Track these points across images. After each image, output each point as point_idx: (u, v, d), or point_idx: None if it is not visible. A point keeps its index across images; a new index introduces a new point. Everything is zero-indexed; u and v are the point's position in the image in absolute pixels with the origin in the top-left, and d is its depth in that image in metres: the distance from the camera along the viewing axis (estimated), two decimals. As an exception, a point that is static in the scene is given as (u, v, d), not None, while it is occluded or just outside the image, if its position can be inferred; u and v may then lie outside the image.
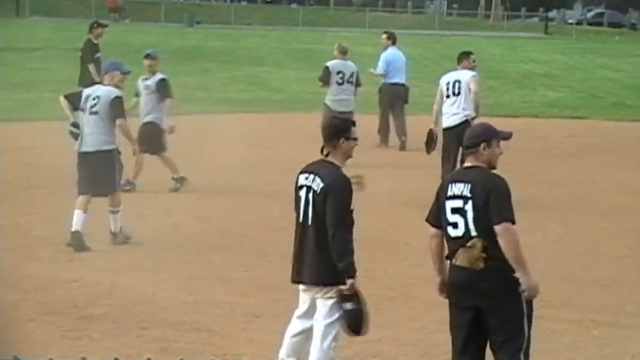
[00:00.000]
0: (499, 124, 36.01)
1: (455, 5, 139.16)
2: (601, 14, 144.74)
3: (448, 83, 26.95)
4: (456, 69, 27.51)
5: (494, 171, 11.50)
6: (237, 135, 33.10)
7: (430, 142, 26.55)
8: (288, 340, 12.31)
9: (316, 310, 12.03)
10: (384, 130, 33.62)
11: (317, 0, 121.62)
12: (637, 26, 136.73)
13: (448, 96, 26.83)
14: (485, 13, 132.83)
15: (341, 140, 11.93)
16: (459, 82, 26.74)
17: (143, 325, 14.88)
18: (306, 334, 12.18)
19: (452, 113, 26.57)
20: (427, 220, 11.64)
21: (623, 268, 19.88)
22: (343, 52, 33.26)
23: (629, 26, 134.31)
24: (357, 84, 32.19)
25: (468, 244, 11.21)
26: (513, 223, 11.22)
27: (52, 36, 56.81)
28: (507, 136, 11.97)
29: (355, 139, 12.08)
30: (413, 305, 15.72)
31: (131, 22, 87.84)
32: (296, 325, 12.29)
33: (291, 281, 12.19)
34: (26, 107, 32.36)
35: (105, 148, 20.54)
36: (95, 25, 33.41)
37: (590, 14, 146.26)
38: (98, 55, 32.52)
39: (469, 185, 11.27)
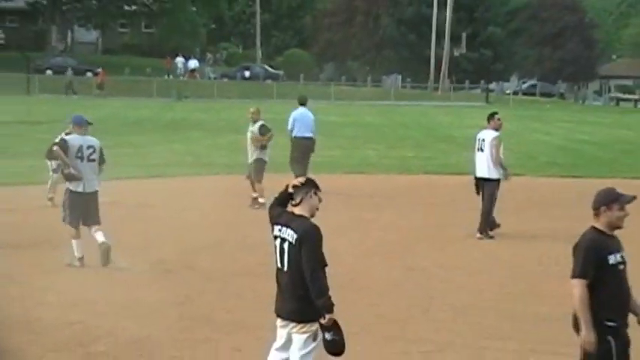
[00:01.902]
0: (448, 181, 36.33)
1: (408, 79, 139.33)
2: (534, 85, 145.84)
3: (478, 140, 27.52)
4: (486, 127, 27.93)
5: (617, 230, 11.39)
6: (219, 194, 33.10)
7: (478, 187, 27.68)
8: (265, 376, 12.34)
9: (292, 344, 12.05)
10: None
11: (288, 76, 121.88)
12: (565, 95, 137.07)
13: (479, 149, 27.38)
14: (434, 86, 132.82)
15: (310, 193, 11.97)
16: (484, 140, 27.31)
17: (90, 341, 14.83)
18: (284, 367, 12.18)
19: (479, 167, 27.44)
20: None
21: (558, 304, 19.90)
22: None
23: (558, 96, 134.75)
24: None
25: None
26: (582, 277, 11.07)
27: (56, 111, 56.68)
28: (630, 200, 11.50)
29: (320, 196, 12.11)
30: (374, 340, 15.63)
31: (126, 98, 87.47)
32: (274, 357, 12.28)
33: (275, 314, 12.13)
34: (34, 173, 32.16)
35: (98, 188, 22.44)
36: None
37: (524, 85, 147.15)
38: None
39: None
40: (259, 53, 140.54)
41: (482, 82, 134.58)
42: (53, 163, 30.51)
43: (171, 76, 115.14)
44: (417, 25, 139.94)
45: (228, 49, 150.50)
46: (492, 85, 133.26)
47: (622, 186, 35.21)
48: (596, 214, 11.37)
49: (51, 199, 30.10)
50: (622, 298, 11.12)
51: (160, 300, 19.19)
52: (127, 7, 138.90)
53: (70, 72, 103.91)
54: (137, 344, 15.98)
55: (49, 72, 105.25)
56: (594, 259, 11.04)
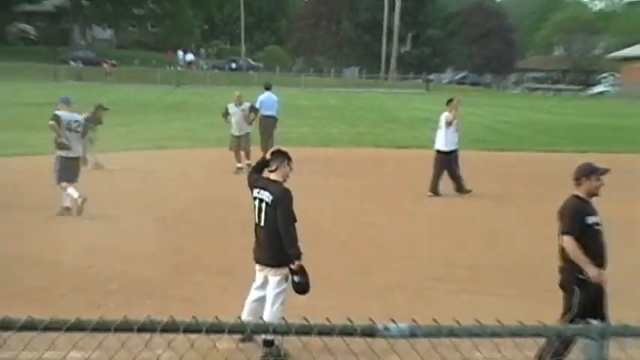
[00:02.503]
0: (395, 153, 36.04)
1: (364, 71, 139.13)
2: (465, 77, 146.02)
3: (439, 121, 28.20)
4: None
5: (595, 198, 11.54)
6: (211, 163, 32.95)
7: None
8: (248, 306, 12.52)
9: (268, 284, 12.23)
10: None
11: (267, 68, 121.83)
12: (490, 85, 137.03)
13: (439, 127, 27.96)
14: (385, 76, 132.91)
15: (284, 161, 12.22)
16: (440, 120, 28.07)
17: (145, 298, 14.70)
18: (261, 301, 12.36)
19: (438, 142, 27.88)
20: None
21: (485, 254, 19.86)
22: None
23: (485, 85, 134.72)
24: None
25: None
26: (571, 233, 11.21)
27: (77, 93, 56.25)
28: (605, 172, 11.61)
29: (292, 166, 12.42)
30: (337, 284, 15.54)
31: (135, 84, 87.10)
32: (253, 295, 12.50)
33: (254, 261, 12.36)
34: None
35: (81, 154, 23.58)
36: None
37: (457, 77, 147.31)
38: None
39: None
40: (243, 49, 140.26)
41: (424, 73, 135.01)
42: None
43: (172, 67, 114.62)
44: (371, 27, 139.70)
45: (218, 45, 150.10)
46: (431, 76, 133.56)
47: (538, 158, 35.44)
48: (578, 184, 11.54)
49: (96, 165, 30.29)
50: (598, 251, 11.22)
51: (161, 248, 19.10)
52: (136, 11, 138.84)
53: (79, 63, 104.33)
54: (143, 284, 15.89)
55: (72, 63, 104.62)
56: (578, 219, 11.19)
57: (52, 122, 22.68)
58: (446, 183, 27.59)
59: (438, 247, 20.59)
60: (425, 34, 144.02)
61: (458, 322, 5.51)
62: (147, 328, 5.10)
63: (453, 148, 27.97)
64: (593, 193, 11.49)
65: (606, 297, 11.16)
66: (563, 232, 11.23)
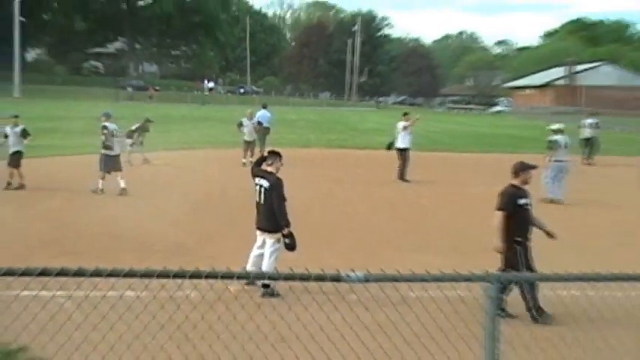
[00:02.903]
0: (356, 153, 35.85)
1: (334, 95, 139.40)
2: (404, 99, 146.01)
3: (397, 127, 28.62)
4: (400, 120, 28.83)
5: (526, 186, 11.67)
6: (227, 160, 32.87)
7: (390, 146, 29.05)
8: (251, 260, 12.55)
9: (265, 244, 12.30)
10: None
11: (265, 92, 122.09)
12: (421, 105, 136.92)
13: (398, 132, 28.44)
14: (348, 98, 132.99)
15: (277, 158, 12.49)
16: (397, 127, 28.59)
17: (179, 255, 14.65)
18: (261, 256, 12.43)
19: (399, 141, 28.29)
20: (504, 210, 11.31)
21: (421, 222, 19.87)
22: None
23: (418, 105, 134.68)
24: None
25: None
26: (501, 210, 11.32)
27: (130, 111, 56.00)
28: (535, 167, 11.98)
29: (282, 162, 12.69)
30: (316, 249, 15.51)
31: (169, 103, 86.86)
32: (255, 252, 12.56)
33: (256, 228, 12.49)
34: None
35: (119, 152, 23.99)
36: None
37: (398, 99, 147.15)
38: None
39: None
40: (249, 79, 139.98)
41: (375, 97, 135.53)
42: (129, 141, 30.44)
43: (198, 92, 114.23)
44: (339, 64, 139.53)
45: (231, 76, 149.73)
46: (381, 99, 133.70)
47: (457, 157, 35.13)
48: (515, 176, 11.67)
49: (128, 161, 29.98)
50: (526, 223, 11.36)
51: (191, 220, 19.05)
52: (173, 52, 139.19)
53: (130, 89, 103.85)
54: (178, 246, 15.81)
55: (128, 89, 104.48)
56: (510, 201, 11.31)
57: (104, 131, 23.41)
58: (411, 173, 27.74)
59: (386, 218, 20.61)
60: (376, 70, 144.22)
61: (398, 272, 5.50)
62: (180, 275, 5.15)
63: (407, 146, 28.24)
64: (526, 182, 11.64)
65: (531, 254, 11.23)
66: (497, 209, 11.33)
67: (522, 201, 11.39)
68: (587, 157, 36.67)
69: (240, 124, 32.92)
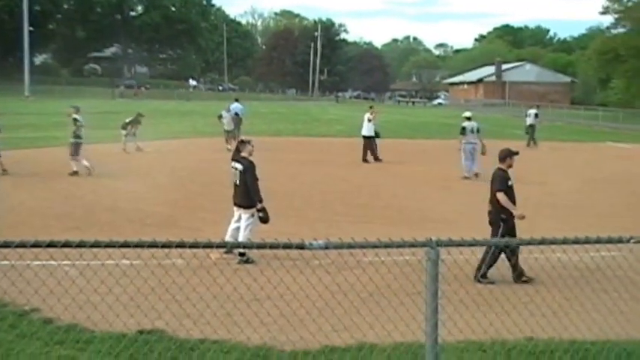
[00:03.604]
0: (319, 140, 35.77)
1: (299, 91, 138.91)
2: (359, 94, 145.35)
3: (365, 119, 29.08)
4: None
5: (510, 170, 11.63)
6: (208, 147, 32.66)
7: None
8: (229, 232, 12.44)
9: (241, 218, 12.17)
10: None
11: (240, 89, 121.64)
12: (374, 99, 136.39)
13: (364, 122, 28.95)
14: (311, 94, 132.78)
15: (248, 145, 12.32)
16: (364, 118, 29.03)
17: (167, 227, 14.58)
18: (237, 229, 12.28)
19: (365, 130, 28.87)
20: (502, 190, 11.27)
21: (371, 198, 19.91)
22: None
23: (371, 99, 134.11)
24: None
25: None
26: (501, 190, 11.26)
27: (124, 107, 55.64)
28: (517, 153, 11.90)
29: (253, 145, 12.45)
30: (286, 220, 15.49)
31: (158, 99, 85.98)
32: (233, 225, 12.44)
33: (233, 204, 12.38)
34: (114, 137, 31.57)
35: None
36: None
37: (354, 94, 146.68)
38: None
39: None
40: (226, 78, 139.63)
41: (334, 92, 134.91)
42: (123, 132, 30.29)
43: (183, 90, 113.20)
44: (303, 64, 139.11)
45: (211, 76, 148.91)
46: (339, 94, 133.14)
47: (405, 143, 34.91)
48: (502, 161, 11.68)
49: (124, 149, 29.80)
50: (513, 200, 11.34)
51: (178, 197, 18.94)
52: (161, 56, 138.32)
53: (122, 88, 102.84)
54: (166, 219, 15.71)
55: (122, 87, 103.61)
56: (503, 182, 11.31)
57: (77, 123, 22.78)
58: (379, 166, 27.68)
59: (344, 194, 20.61)
60: (335, 69, 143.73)
61: (353, 239, 5.49)
62: (167, 245, 5.09)
63: (372, 134, 28.90)
64: (510, 166, 11.65)
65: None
66: (497, 190, 11.27)
67: (510, 182, 11.43)
68: (529, 141, 37.20)
69: (220, 116, 33.39)
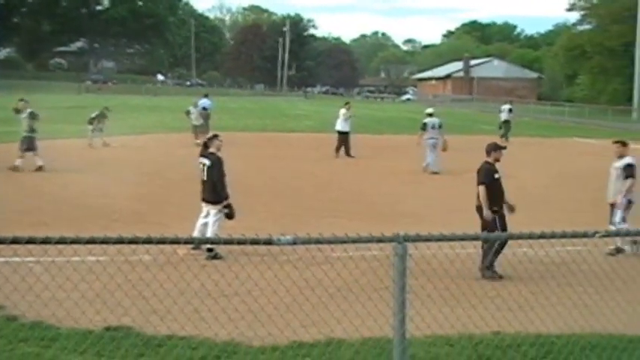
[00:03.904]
0: (289, 135, 35.76)
1: (267, 86, 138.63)
2: (327, 90, 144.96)
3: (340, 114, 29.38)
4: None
5: (498, 164, 11.68)
6: (177, 142, 32.48)
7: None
8: (197, 228, 12.42)
9: (209, 213, 12.19)
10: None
11: (209, 84, 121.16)
12: (342, 94, 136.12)
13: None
14: (280, 89, 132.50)
15: (216, 140, 12.37)
16: (339, 114, 29.32)
17: (135, 223, 14.46)
18: (205, 225, 12.28)
19: (340, 125, 29.04)
20: (485, 184, 11.34)
21: (340, 193, 19.93)
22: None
23: (339, 94, 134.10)
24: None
25: None
26: (483, 184, 11.30)
27: (90, 102, 55.19)
28: (504, 148, 12.07)
29: (221, 140, 12.48)
30: (256, 217, 15.47)
31: (125, 94, 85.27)
32: (200, 221, 12.46)
33: (201, 200, 12.39)
34: (80, 132, 31.28)
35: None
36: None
37: (323, 89, 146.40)
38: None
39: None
40: (194, 73, 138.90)
41: (303, 87, 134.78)
42: (89, 127, 30.11)
43: (151, 85, 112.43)
44: (271, 60, 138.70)
45: (179, 71, 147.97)
46: (308, 89, 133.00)
47: (372, 138, 34.92)
48: (489, 155, 11.71)
49: (90, 145, 29.55)
50: (500, 193, 11.46)
51: (145, 192, 18.84)
52: (128, 50, 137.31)
53: (88, 83, 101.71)
54: (134, 215, 15.64)
55: (88, 82, 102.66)
56: (489, 175, 11.38)
57: (33, 117, 22.52)
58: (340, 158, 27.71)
59: (313, 189, 20.64)
60: (303, 64, 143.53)
61: (321, 235, 5.49)
62: (134, 241, 5.05)
63: (347, 130, 29.10)
64: (497, 160, 11.70)
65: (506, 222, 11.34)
66: (479, 183, 11.35)
67: (497, 175, 11.49)
68: (502, 136, 37.38)
69: (188, 112, 33.37)
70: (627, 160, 13.04)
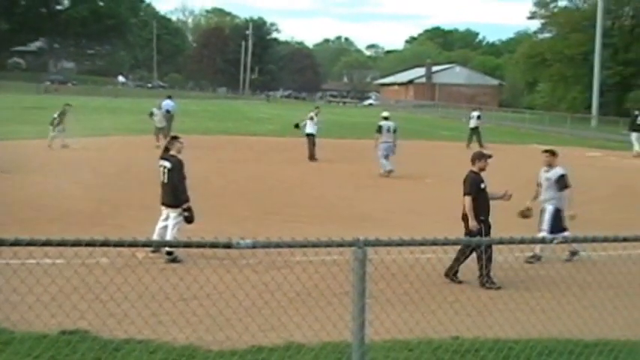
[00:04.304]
0: (250, 138, 35.61)
1: (230, 89, 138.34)
2: (290, 94, 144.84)
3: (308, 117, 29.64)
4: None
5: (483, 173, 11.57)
6: (138, 144, 32.22)
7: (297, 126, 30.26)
8: (157, 231, 12.29)
9: (169, 217, 12.12)
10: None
11: (170, 86, 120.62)
12: (305, 98, 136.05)
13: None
14: (242, 93, 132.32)
15: (177, 142, 12.39)
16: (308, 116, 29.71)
17: (94, 224, 14.29)
18: (165, 228, 12.18)
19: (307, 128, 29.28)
20: (471, 194, 11.23)
21: (301, 196, 19.91)
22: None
23: (302, 98, 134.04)
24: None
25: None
26: (469, 194, 11.18)
27: (49, 102, 54.51)
28: (490, 156, 11.93)
29: (182, 143, 12.46)
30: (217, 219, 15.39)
31: (85, 96, 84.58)
32: (160, 224, 12.32)
33: (161, 203, 12.32)
34: (42, 132, 30.91)
35: None
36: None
37: (285, 93, 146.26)
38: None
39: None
40: (156, 75, 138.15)
41: (265, 91, 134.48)
42: (51, 127, 29.83)
43: (112, 86, 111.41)
44: (234, 63, 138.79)
45: (140, 73, 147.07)
46: (270, 93, 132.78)
47: (335, 143, 34.80)
48: (474, 164, 11.60)
49: (49, 146, 29.25)
50: (487, 202, 11.32)
51: (105, 193, 18.65)
52: (89, 51, 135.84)
53: (47, 83, 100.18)
54: (93, 217, 15.48)
55: (48, 83, 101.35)
56: (475, 185, 11.25)
57: None
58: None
59: (274, 192, 20.59)
60: (266, 68, 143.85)
61: (281, 238, 5.47)
62: (91, 243, 5.00)
63: (314, 132, 29.43)
64: (483, 169, 11.61)
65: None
66: (466, 194, 11.23)
67: (483, 185, 11.38)
68: (469, 142, 37.71)
69: (152, 114, 33.19)
70: (559, 170, 13.06)
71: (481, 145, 37.73)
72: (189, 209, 11.95)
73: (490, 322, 8.38)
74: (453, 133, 41.52)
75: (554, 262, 10.74)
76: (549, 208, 12.97)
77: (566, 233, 12.38)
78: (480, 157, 11.75)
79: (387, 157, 25.03)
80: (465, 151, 35.60)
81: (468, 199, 11.20)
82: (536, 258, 12.56)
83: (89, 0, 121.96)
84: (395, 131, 25.35)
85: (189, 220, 11.99)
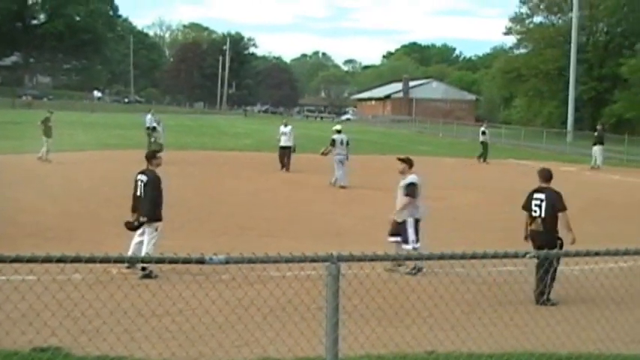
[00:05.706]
0: (227, 153, 35.47)
1: (207, 104, 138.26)
2: (267, 109, 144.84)
3: (283, 132, 30.69)
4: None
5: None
6: (117, 158, 32.07)
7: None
8: (132, 246, 12.26)
9: (145, 232, 12.11)
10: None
11: (147, 102, 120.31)
12: (282, 113, 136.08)
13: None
14: (219, 108, 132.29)
15: (155, 158, 12.46)
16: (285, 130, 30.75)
17: (69, 240, 14.18)
18: (140, 243, 12.15)
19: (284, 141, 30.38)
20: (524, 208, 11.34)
21: (274, 211, 19.90)
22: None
23: (279, 113, 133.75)
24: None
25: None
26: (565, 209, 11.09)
27: (27, 117, 54.12)
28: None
29: (160, 158, 12.63)
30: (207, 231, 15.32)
31: (61, 110, 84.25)
32: (136, 239, 12.30)
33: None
34: (27, 145, 30.71)
35: None
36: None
37: (263, 108, 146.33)
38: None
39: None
40: (132, 90, 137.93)
41: (242, 106, 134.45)
42: (44, 139, 29.96)
43: (88, 101, 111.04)
44: (211, 77, 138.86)
45: (117, 87, 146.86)
46: (248, 108, 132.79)
47: (311, 157, 34.72)
48: (549, 181, 11.48)
49: (39, 158, 29.28)
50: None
51: (81, 209, 18.57)
52: (65, 66, 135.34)
53: (28, 97, 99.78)
54: (69, 232, 15.41)
55: (24, 97, 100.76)
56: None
57: None
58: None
59: (249, 207, 20.54)
60: (243, 83, 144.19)
61: (254, 254, 5.47)
62: (62, 259, 5.00)
63: (289, 144, 30.57)
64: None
65: None
66: (563, 209, 11.05)
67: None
68: (479, 157, 38.72)
69: (154, 129, 32.93)
70: (409, 178, 13.03)
71: (484, 160, 38.68)
72: (142, 224, 12.06)
73: (464, 336, 8.41)
74: (430, 148, 41.76)
75: (527, 276, 10.78)
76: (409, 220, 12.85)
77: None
78: (548, 174, 11.55)
79: (342, 169, 25.86)
80: (442, 167, 35.82)
81: (567, 215, 11.05)
82: (418, 269, 12.31)
83: (65, 14, 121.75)
84: (348, 144, 26.28)
85: (129, 227, 12.20)
